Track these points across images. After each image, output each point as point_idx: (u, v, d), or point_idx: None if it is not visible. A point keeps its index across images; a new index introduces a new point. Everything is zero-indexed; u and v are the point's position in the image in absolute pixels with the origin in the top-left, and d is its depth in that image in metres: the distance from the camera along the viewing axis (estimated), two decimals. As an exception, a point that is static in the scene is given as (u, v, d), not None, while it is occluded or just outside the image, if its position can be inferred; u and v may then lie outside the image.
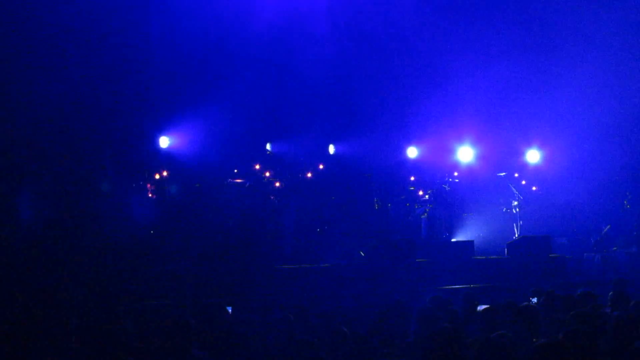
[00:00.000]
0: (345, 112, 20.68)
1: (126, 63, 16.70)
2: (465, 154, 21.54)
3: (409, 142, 21.69)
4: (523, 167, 21.88)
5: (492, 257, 16.86)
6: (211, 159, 18.22)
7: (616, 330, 6.60)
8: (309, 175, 19.31)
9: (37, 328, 7.56)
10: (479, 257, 16.44)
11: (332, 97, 20.35)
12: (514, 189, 19.86)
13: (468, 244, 16.75)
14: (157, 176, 17.98)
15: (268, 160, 19.04)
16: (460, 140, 21.59)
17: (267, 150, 18.89)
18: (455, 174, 21.06)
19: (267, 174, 18.70)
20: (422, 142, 21.61)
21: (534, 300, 9.61)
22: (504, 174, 20.59)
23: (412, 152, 21.55)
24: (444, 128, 21.07)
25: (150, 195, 17.60)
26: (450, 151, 21.53)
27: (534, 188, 21.67)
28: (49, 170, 14.93)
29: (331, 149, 20.68)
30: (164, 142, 17.95)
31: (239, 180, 18.01)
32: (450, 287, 13.87)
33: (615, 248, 18.26)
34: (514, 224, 19.49)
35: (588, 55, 20.45)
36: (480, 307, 9.95)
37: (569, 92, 20.89)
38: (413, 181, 20.72)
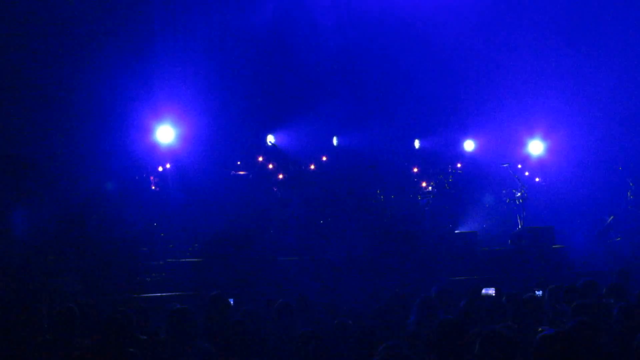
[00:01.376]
0: (350, 103, 20.65)
1: (126, 54, 16.70)
2: (469, 145, 21.60)
3: (414, 134, 21.67)
4: (526, 158, 21.87)
5: (495, 248, 16.85)
6: (214, 150, 18.24)
7: (620, 321, 6.60)
8: (312, 167, 19.31)
9: (40, 322, 7.58)
10: (482, 248, 16.42)
11: (337, 89, 20.33)
12: (517, 180, 19.83)
13: (471, 235, 16.74)
14: (160, 169, 17.99)
15: (271, 152, 19.02)
16: (465, 132, 21.63)
17: (271, 142, 18.83)
18: (459, 165, 21.06)
19: (270, 166, 18.71)
20: (428, 134, 21.59)
21: (539, 293, 9.61)
22: (507, 164, 20.56)
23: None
24: (450, 120, 21.09)
25: (153, 187, 17.61)
26: (455, 143, 21.54)
27: (537, 179, 21.65)
28: (51, 164, 14.94)
29: (334, 141, 20.67)
30: (167, 135, 17.88)
31: (241, 172, 18.01)
32: (453, 278, 13.86)
33: (619, 238, 18.24)
34: (517, 215, 19.47)
35: (591, 48, 20.44)
36: (485, 290, 9.96)
37: (571, 84, 20.91)
38: (417, 172, 20.72)
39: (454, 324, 5.66)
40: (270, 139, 18.90)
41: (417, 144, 21.57)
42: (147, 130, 17.51)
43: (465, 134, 21.78)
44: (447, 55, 21.10)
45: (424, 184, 20.20)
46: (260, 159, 19.03)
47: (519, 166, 21.31)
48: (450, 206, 19.25)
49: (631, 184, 19.99)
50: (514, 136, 21.82)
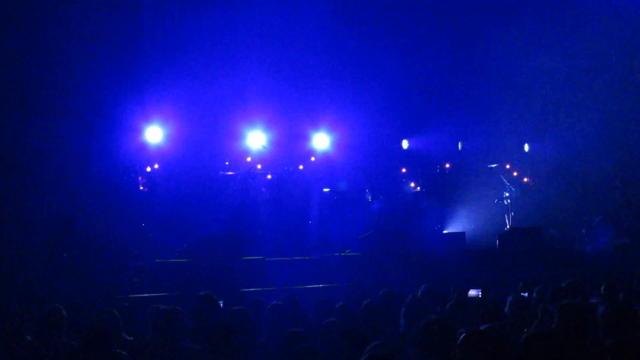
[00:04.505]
0: (337, 104, 20.64)
1: (117, 56, 16.69)
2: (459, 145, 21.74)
3: (403, 135, 21.70)
4: (518, 158, 21.96)
5: (483, 248, 16.88)
6: (202, 151, 18.25)
7: (605, 321, 6.63)
8: (301, 167, 19.32)
9: (27, 322, 7.56)
10: (470, 249, 16.44)
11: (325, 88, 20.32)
12: (505, 180, 19.91)
13: (459, 235, 16.77)
14: (148, 169, 17.98)
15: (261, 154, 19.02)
16: (458, 133, 21.69)
17: (263, 145, 18.76)
18: (447, 165, 21.11)
19: (259, 167, 18.73)
20: (415, 134, 21.62)
21: (525, 294, 9.63)
22: (495, 165, 20.65)
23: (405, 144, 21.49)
24: (440, 122, 21.15)
25: (141, 188, 17.60)
26: (446, 143, 21.59)
27: (525, 179, 21.74)
28: (39, 165, 14.91)
29: (324, 142, 20.63)
30: (155, 135, 17.88)
31: (230, 173, 18.02)
32: (441, 278, 13.86)
33: (606, 239, 18.28)
34: (506, 216, 19.54)
35: (580, 52, 20.57)
36: (471, 292, 9.99)
37: (560, 86, 21.03)
38: (405, 173, 20.75)
39: (440, 323, 5.68)
40: (262, 141, 18.78)
41: (405, 144, 21.54)
42: (136, 131, 17.51)
43: (456, 135, 21.83)
44: (440, 56, 21.20)
45: (412, 184, 20.25)
46: (249, 159, 19.04)
47: (507, 166, 21.40)
48: (438, 206, 19.29)
49: (619, 183, 20.07)
50: (505, 137, 21.92)
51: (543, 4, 21.16)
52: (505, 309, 8.11)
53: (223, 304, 9.14)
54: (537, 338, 5.12)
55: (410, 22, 21.29)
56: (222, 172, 18.15)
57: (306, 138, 19.57)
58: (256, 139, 18.72)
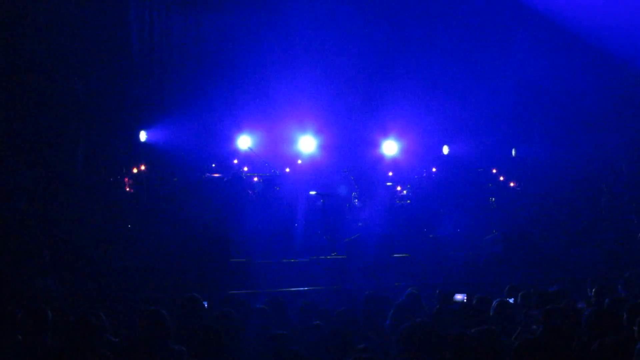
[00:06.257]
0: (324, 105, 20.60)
1: (109, 59, 16.68)
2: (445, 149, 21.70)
3: (389, 138, 21.63)
4: (505, 163, 21.96)
5: (469, 253, 16.87)
6: (189, 153, 18.22)
7: (590, 325, 6.65)
8: (287, 170, 19.30)
9: (12, 323, 7.51)
10: (456, 253, 16.45)
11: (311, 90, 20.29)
12: (490, 185, 19.94)
13: (445, 239, 16.78)
14: (135, 170, 17.93)
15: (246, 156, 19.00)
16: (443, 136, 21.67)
17: (249, 146, 18.76)
18: (434, 169, 21.09)
19: (246, 169, 18.70)
20: (402, 137, 21.56)
21: (511, 300, 9.64)
22: (481, 169, 20.66)
23: (391, 148, 21.28)
24: (426, 125, 21.12)
25: (127, 189, 17.54)
26: (432, 147, 21.56)
27: (511, 184, 21.75)
28: (26, 163, 14.85)
29: (310, 145, 20.58)
30: (143, 135, 17.92)
31: (216, 175, 18.00)
32: (427, 282, 13.88)
33: (592, 245, 18.29)
34: (492, 220, 19.52)
35: (570, 56, 20.59)
36: (457, 297, 10.00)
37: (549, 90, 21.06)
38: (391, 176, 20.71)
39: (424, 327, 5.68)
40: (248, 143, 18.79)
41: (393, 148, 21.35)
42: (123, 131, 17.48)
43: (442, 139, 21.81)
44: (429, 58, 21.24)
45: (398, 188, 20.22)
46: (236, 161, 19.02)
47: (494, 171, 21.41)
48: (424, 210, 19.25)
49: (605, 187, 20.12)
50: (491, 141, 21.92)
51: (536, 12, 21.19)
52: (490, 314, 8.11)
53: (208, 306, 9.12)
54: (528, 345, 5.12)
55: (399, 25, 21.30)
56: (208, 174, 18.12)
57: (293, 141, 19.53)
58: (243, 142, 18.74)
